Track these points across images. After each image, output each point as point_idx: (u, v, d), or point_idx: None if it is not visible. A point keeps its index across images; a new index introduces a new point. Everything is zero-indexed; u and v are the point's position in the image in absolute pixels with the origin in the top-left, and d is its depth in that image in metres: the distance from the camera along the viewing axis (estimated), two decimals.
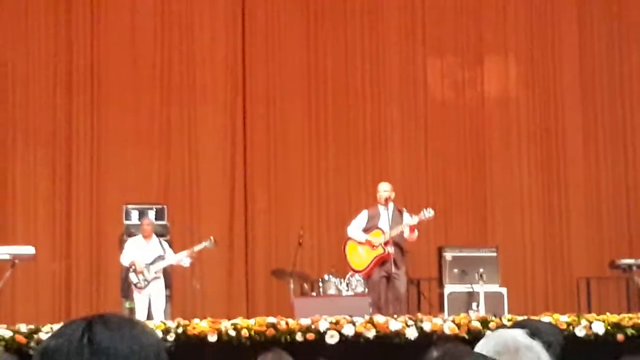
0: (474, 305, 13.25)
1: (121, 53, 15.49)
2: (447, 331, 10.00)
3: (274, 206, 15.47)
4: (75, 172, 15.20)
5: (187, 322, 10.04)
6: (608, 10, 16.24)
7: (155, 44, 15.59)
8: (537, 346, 3.92)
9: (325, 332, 9.87)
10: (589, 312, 12.41)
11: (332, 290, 13.11)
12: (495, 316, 10.48)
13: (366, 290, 12.18)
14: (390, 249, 11.23)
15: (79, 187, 15.16)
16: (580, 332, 10.24)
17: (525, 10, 16.16)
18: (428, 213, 11.33)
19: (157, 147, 15.43)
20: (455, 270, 13.72)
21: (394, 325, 9.99)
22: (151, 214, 13.71)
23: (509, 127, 15.97)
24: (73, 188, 15.16)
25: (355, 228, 11.60)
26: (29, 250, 12.45)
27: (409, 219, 11.35)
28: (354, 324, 9.99)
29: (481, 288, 13.36)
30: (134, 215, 13.84)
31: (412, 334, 10.01)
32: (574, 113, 16.08)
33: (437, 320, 10.20)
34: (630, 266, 13.90)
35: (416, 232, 11.44)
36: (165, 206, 14.13)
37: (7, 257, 12.32)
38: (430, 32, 16.01)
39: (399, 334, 10.01)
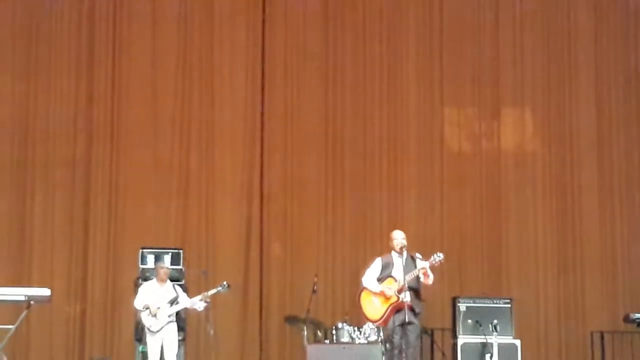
0: (488, 356, 13.27)
1: (141, 104, 15.69)
2: None
3: (289, 253, 15.52)
4: (92, 216, 15.31)
5: None
6: (626, 65, 16.34)
7: (175, 95, 15.78)
8: None
9: None
10: None
11: (345, 338, 13.14)
12: None
13: (380, 338, 12.18)
14: (406, 297, 11.24)
15: (96, 230, 15.26)
16: None
17: (543, 64, 16.26)
18: (438, 257, 11.38)
19: (175, 193, 15.54)
20: (469, 321, 13.72)
21: None
22: (167, 259, 13.79)
23: (525, 180, 16.01)
24: (90, 231, 15.26)
25: (370, 277, 11.64)
26: (45, 292, 12.48)
27: (420, 264, 11.40)
28: None
29: (495, 339, 13.38)
30: (150, 259, 13.92)
31: None
32: (590, 167, 16.11)
33: None
34: None
35: (431, 276, 11.46)
36: (181, 251, 14.21)
37: (23, 298, 12.37)
38: (448, 83, 16.12)
39: None
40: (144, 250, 14.03)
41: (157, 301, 12.56)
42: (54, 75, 15.56)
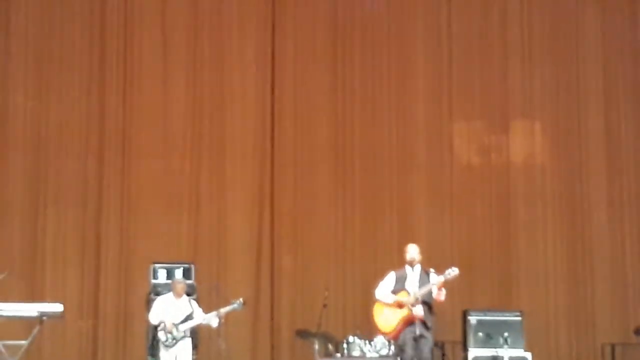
0: None
1: (152, 120, 15.77)
2: None
3: (300, 267, 15.57)
4: (104, 232, 15.38)
5: None
6: (635, 78, 16.37)
7: (185, 111, 15.86)
8: None
9: None
10: None
11: (356, 352, 13.18)
12: None
13: (391, 351, 12.20)
14: (419, 310, 11.27)
15: (107, 245, 15.34)
16: None
17: (552, 77, 16.29)
18: (453, 272, 11.38)
19: (185, 207, 15.61)
20: (480, 334, 13.75)
21: None
22: (178, 273, 13.85)
23: (534, 193, 16.03)
24: (102, 246, 15.34)
25: (383, 290, 11.67)
26: (57, 307, 12.55)
27: (435, 279, 11.42)
28: None
29: (506, 352, 13.39)
30: (161, 274, 13.98)
31: None
32: (599, 180, 16.12)
33: None
34: None
35: (444, 291, 11.47)
36: (192, 265, 14.26)
37: (36, 314, 12.45)
38: (457, 97, 16.16)
39: None
40: (156, 265, 14.10)
41: (173, 316, 12.60)
42: (65, 92, 15.66)
